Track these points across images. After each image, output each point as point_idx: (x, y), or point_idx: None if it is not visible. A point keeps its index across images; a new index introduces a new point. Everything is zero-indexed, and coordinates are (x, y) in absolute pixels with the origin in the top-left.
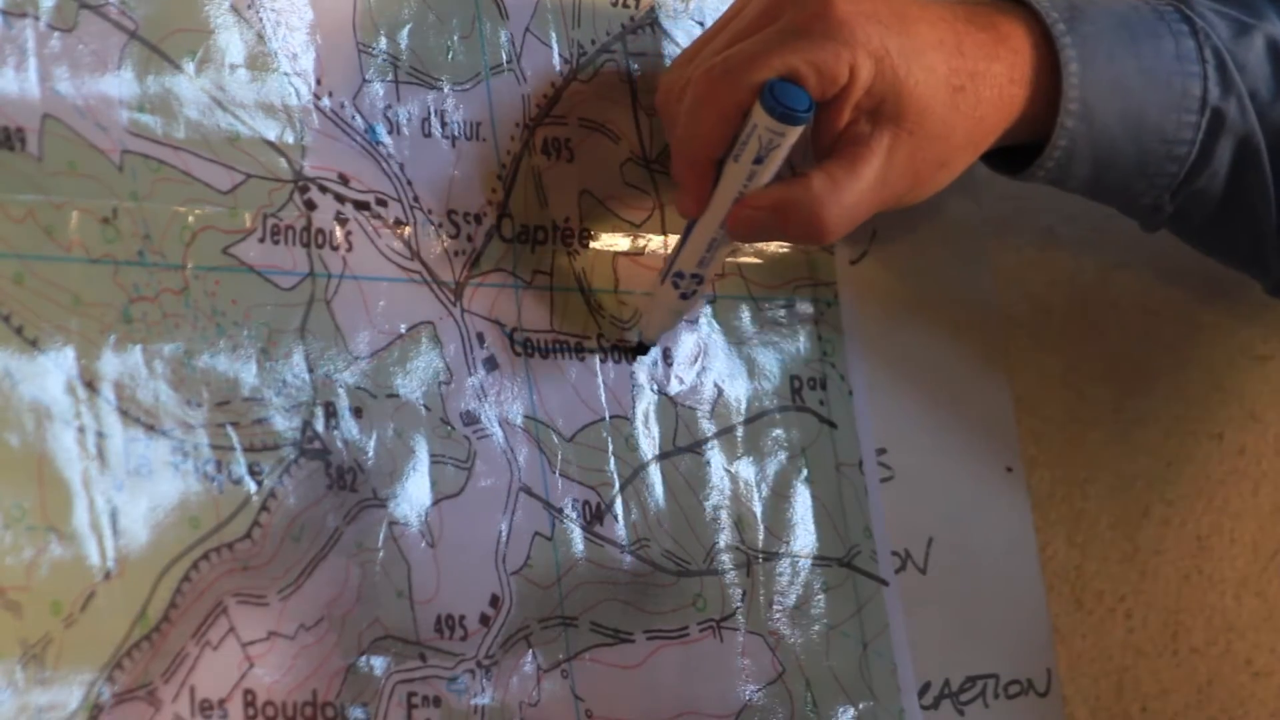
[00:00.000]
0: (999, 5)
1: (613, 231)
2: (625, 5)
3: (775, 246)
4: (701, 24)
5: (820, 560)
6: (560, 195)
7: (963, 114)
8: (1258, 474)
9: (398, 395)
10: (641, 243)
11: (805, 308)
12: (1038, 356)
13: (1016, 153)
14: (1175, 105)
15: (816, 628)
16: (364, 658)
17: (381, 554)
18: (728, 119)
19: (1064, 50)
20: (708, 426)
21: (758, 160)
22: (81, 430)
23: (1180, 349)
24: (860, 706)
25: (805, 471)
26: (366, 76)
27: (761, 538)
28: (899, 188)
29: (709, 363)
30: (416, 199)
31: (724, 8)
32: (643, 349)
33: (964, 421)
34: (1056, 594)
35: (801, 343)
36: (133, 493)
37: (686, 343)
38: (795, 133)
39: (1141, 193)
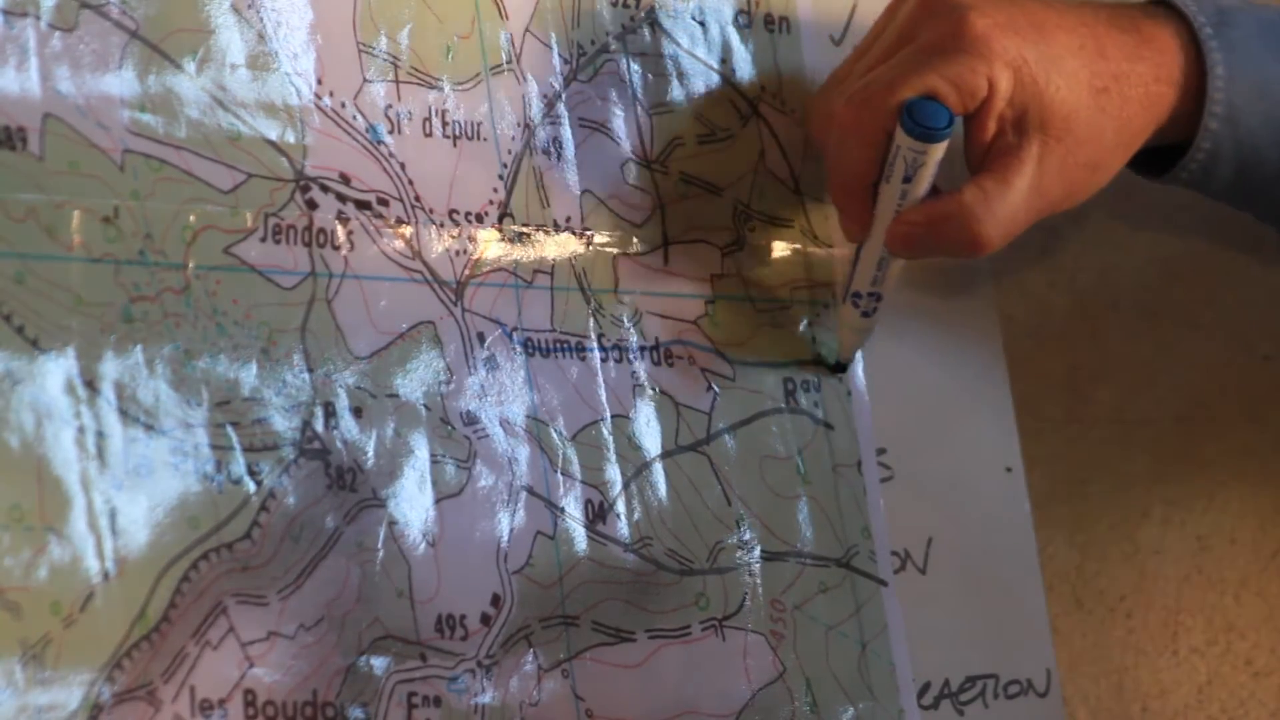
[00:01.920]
0: (1145, 9)
1: (614, 231)
2: (625, 6)
3: (779, 249)
4: (702, 24)
5: (818, 560)
6: (561, 195)
7: (1110, 115)
8: (1258, 474)
9: (398, 395)
10: (642, 242)
11: (802, 309)
12: (1038, 356)
13: (1160, 156)
14: None
15: (816, 628)
16: (364, 658)
17: (381, 554)
18: (874, 144)
19: (1210, 54)
20: (709, 426)
21: (906, 179)
22: (81, 430)
23: (1180, 349)
24: (860, 706)
25: (802, 472)
26: (367, 76)
27: (763, 537)
28: (1054, 194)
29: (708, 363)
30: (418, 198)
31: (723, 7)
32: (841, 368)
33: (964, 421)
34: (1056, 594)
35: (796, 345)
36: (132, 492)
37: (687, 342)
38: (938, 149)
39: None
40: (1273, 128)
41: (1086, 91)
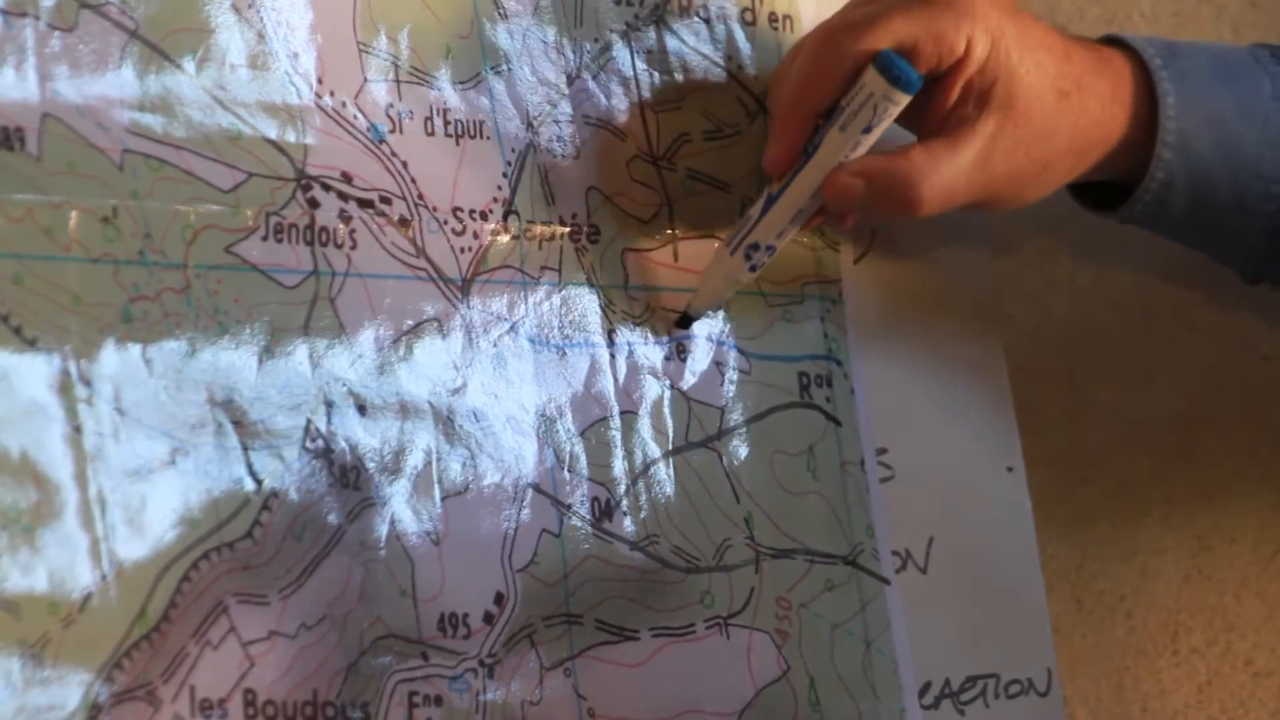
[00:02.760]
0: (1099, 41)
1: (620, 228)
2: (629, 4)
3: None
4: (707, 20)
5: (826, 558)
6: (566, 192)
7: (1067, 118)
8: (1258, 474)
9: (402, 393)
10: (649, 239)
11: (813, 305)
12: (1038, 356)
13: (1112, 192)
14: (1272, 143)
15: (821, 626)
16: (365, 657)
17: (384, 552)
18: (841, 73)
19: (1161, 83)
20: (719, 422)
21: (866, 130)
22: (80, 429)
23: (1180, 349)
24: (862, 705)
25: (812, 468)
26: (368, 75)
27: (770, 534)
28: (998, 177)
29: (722, 357)
30: (421, 196)
31: (727, 4)
32: (687, 321)
33: (964, 421)
34: (1056, 594)
35: (809, 340)
36: (132, 492)
37: (699, 337)
38: (904, 102)
39: (1238, 233)
40: (1224, 157)
41: (1051, 88)
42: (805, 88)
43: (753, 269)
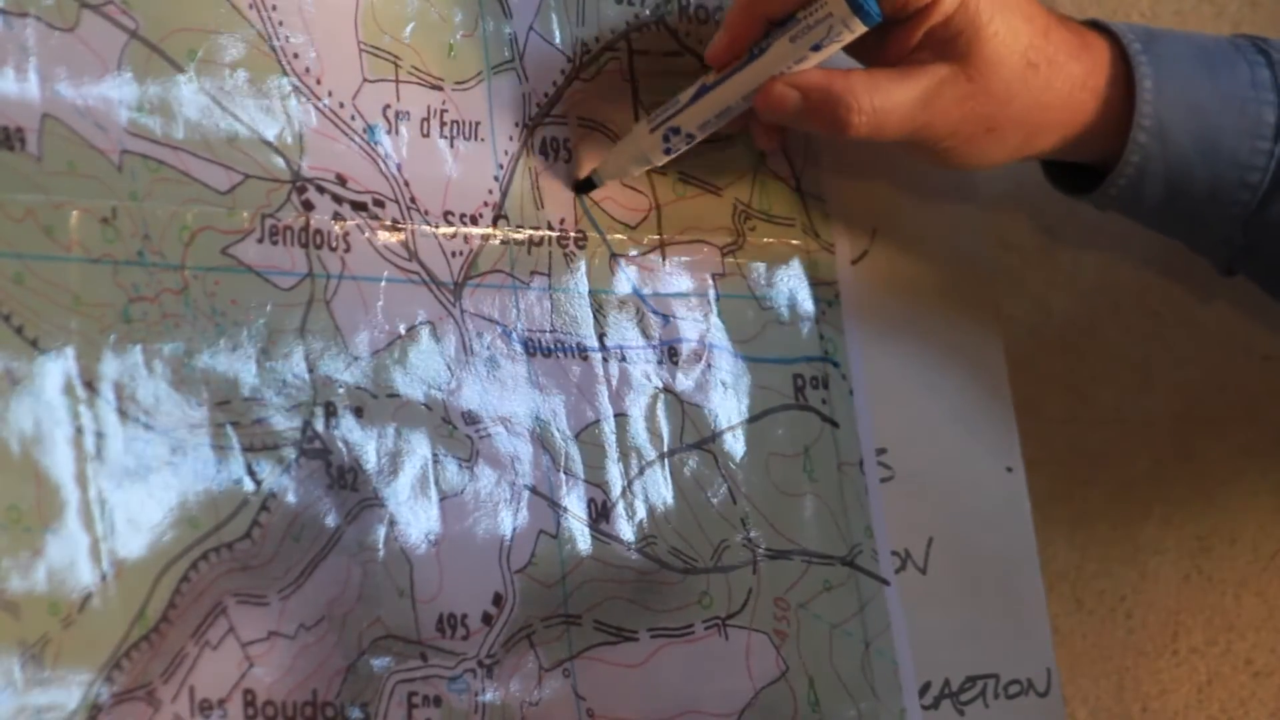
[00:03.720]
0: (1082, 24)
1: (609, 232)
2: (631, 3)
3: (781, 248)
4: (705, 23)
5: (823, 559)
6: (556, 196)
7: (1029, 89)
8: (1258, 474)
9: (398, 395)
10: (637, 243)
11: (807, 307)
12: (1038, 356)
13: (1088, 176)
14: (1250, 132)
15: (820, 626)
16: (364, 657)
17: (383, 553)
18: None
19: (1139, 67)
20: (714, 424)
21: (815, 48)
22: (81, 430)
23: (1180, 349)
24: (861, 706)
25: (808, 470)
26: (367, 76)
27: (767, 535)
28: (938, 123)
29: (714, 360)
30: (413, 200)
31: (728, 3)
32: (588, 186)
33: (964, 421)
34: (1056, 594)
35: (804, 342)
36: (132, 493)
37: (691, 340)
38: (859, 31)
39: (1214, 222)
40: (1203, 147)
41: (1019, 56)
42: None
43: (667, 152)
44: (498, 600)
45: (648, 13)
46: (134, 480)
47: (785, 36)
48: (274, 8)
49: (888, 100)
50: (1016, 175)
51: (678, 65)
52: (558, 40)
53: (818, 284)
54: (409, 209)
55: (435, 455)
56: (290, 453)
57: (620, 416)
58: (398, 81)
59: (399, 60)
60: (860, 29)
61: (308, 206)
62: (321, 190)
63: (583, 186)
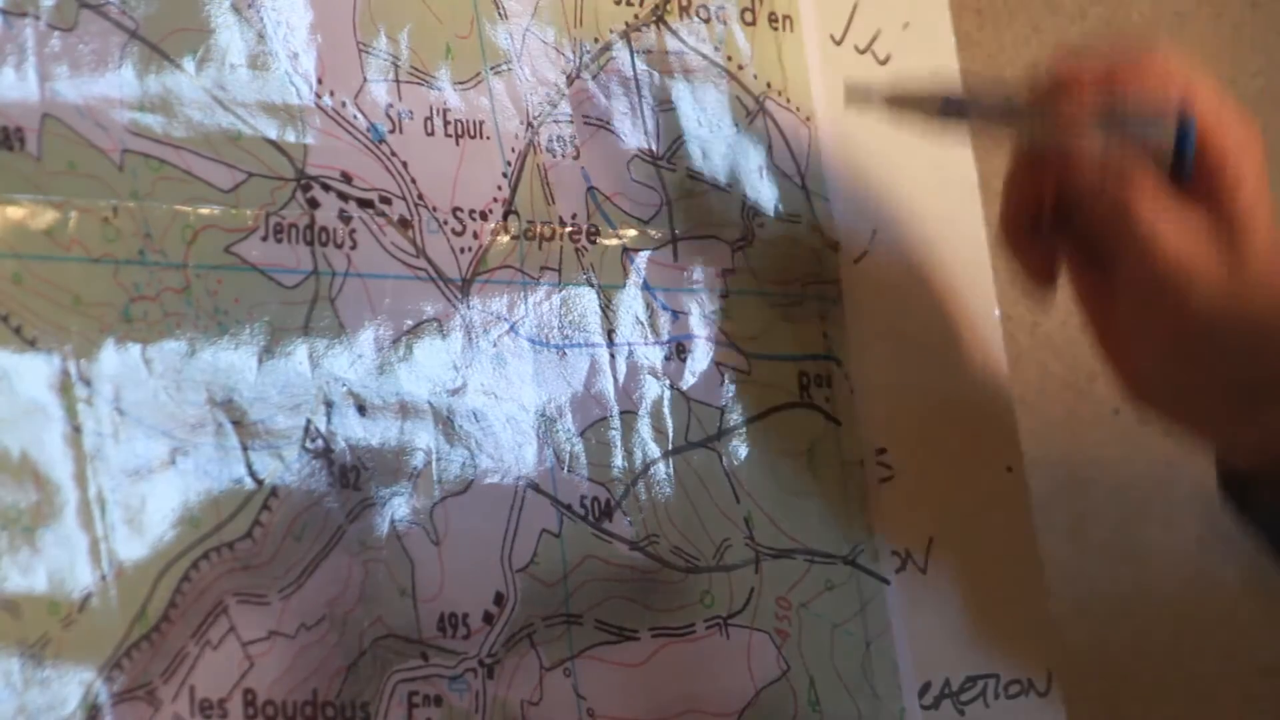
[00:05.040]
0: None
1: (621, 228)
2: (629, 3)
3: (788, 244)
4: (707, 21)
5: (825, 558)
6: (566, 192)
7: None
8: None
9: (402, 393)
10: (649, 239)
11: (813, 304)
12: (1038, 356)
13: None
14: None
15: (822, 625)
16: (365, 657)
17: (384, 552)
18: (1168, 87)
19: None
20: (719, 422)
21: (1130, 130)
22: (80, 430)
23: None
24: (862, 705)
25: (812, 468)
26: (368, 75)
27: (770, 534)
28: (1133, 284)
29: (721, 358)
30: (421, 196)
31: (727, 4)
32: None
33: (964, 421)
34: (1056, 594)
35: (809, 340)
36: (132, 492)
37: (700, 336)
38: (1158, 161)
39: None
40: None
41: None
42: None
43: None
44: (499, 599)
45: (645, 12)
46: (134, 480)
47: (1112, 126)
48: (273, 8)
49: (1165, 218)
50: None
51: (678, 64)
52: (555, 40)
53: (822, 281)
54: (417, 205)
55: (438, 453)
56: (292, 451)
57: (626, 414)
58: (398, 81)
59: (398, 61)
60: (1148, 160)
61: (313, 204)
62: (327, 188)
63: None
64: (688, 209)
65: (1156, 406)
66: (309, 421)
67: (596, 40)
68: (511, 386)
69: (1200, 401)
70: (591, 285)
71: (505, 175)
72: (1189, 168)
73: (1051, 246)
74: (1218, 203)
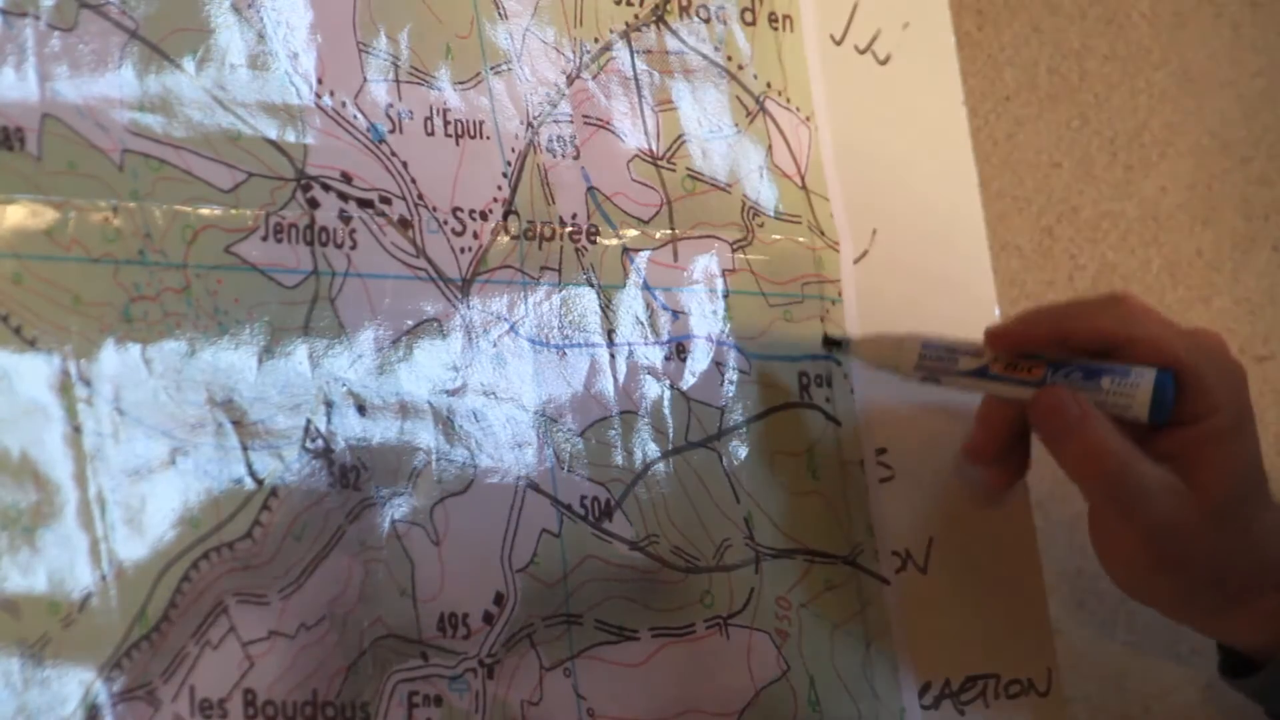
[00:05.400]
0: None
1: (621, 227)
2: (629, 4)
3: (788, 244)
4: (707, 20)
5: (825, 558)
6: (566, 192)
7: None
8: None
9: (402, 393)
10: (649, 238)
11: (813, 305)
12: None
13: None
14: None
15: (822, 625)
16: (365, 657)
17: (384, 553)
18: (1136, 336)
19: None
20: (719, 422)
21: (1098, 405)
22: (80, 430)
23: None
24: (862, 705)
25: (812, 468)
26: (367, 75)
27: (770, 534)
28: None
29: (722, 357)
30: (421, 196)
31: (727, 4)
32: (834, 345)
33: (964, 421)
34: (1056, 594)
35: (809, 340)
36: (132, 492)
37: (700, 336)
38: (1141, 419)
39: None
40: None
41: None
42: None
43: (920, 380)
44: (499, 599)
45: (645, 12)
46: (134, 480)
47: (1079, 381)
48: (273, 8)
49: (1135, 481)
50: (1016, 174)
51: (678, 64)
52: (555, 40)
53: (823, 281)
54: (417, 205)
55: (438, 453)
56: (292, 451)
57: (626, 414)
58: (398, 81)
59: (398, 61)
60: (1142, 419)
61: (313, 204)
62: (327, 188)
63: (829, 344)
64: (688, 209)
65: (1145, 601)
66: (309, 421)
67: (596, 40)
68: (511, 386)
69: (1180, 600)
70: (591, 285)
71: (505, 175)
72: (1164, 411)
73: (1013, 464)
74: (1180, 442)
